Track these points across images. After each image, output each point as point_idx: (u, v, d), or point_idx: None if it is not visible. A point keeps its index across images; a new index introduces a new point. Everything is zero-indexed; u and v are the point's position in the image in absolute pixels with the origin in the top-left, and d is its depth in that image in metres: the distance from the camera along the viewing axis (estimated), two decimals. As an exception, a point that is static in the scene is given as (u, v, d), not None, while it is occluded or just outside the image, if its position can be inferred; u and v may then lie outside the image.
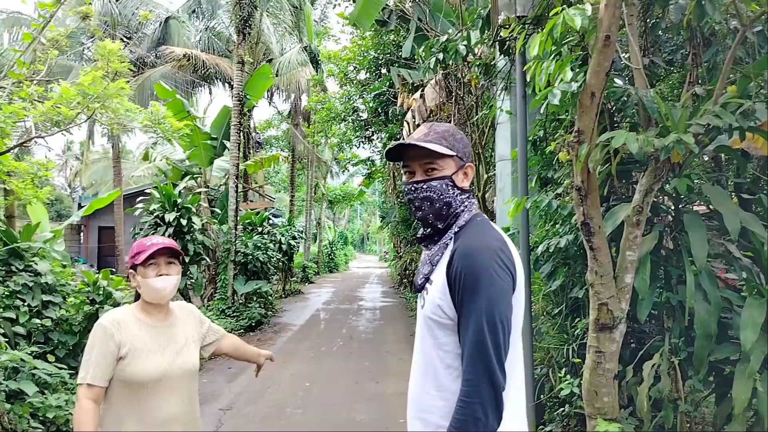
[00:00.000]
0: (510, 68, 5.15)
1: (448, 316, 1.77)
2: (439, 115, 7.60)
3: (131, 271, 2.30)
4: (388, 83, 11.38)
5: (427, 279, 1.90)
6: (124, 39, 19.60)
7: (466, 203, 1.89)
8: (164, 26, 19.64)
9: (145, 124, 6.46)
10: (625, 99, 3.71)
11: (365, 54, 12.35)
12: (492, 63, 5.30)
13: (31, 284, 5.45)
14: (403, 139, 8.31)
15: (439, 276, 1.81)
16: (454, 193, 1.88)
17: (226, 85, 19.36)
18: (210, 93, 21.47)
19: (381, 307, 16.08)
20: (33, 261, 5.59)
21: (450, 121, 8.09)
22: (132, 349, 2.19)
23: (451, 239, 1.86)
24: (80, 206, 23.63)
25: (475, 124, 6.50)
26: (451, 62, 5.02)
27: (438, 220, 1.89)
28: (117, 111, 6.03)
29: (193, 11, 20.84)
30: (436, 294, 1.80)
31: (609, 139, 3.21)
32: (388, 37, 11.94)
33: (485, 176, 6.67)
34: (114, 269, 12.40)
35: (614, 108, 3.94)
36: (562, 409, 4.27)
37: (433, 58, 4.96)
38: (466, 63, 5.54)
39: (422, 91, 7.53)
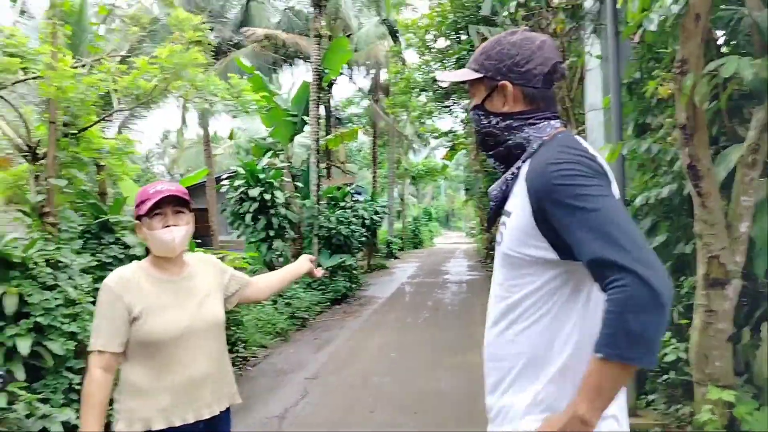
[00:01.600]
0: (600, 7, 4.69)
1: (528, 254, 1.51)
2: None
3: (137, 222, 2.08)
4: (469, 46, 10.95)
5: (498, 209, 1.65)
6: (209, 26, 20.10)
7: (516, 129, 1.61)
8: (246, 8, 19.93)
9: (224, 96, 6.48)
10: (736, 23, 3.23)
11: (444, 18, 11.94)
12: (579, 3, 4.85)
13: (121, 256, 5.59)
14: None
15: (519, 203, 1.55)
16: (490, 122, 1.63)
17: (308, 64, 19.48)
18: (292, 74, 21.77)
19: (467, 280, 15.79)
20: (122, 234, 5.74)
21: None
22: (146, 307, 2.00)
23: (523, 162, 1.59)
24: (175, 190, 24.69)
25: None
26: (533, 4, 4.64)
27: (492, 155, 1.68)
28: (194, 83, 6.06)
29: (273, -9, 21.04)
30: (519, 224, 1.54)
31: (717, 68, 2.79)
32: (466, -1, 11.46)
33: (575, 132, 6.19)
34: (210, 246, 12.82)
35: (723, 35, 3.46)
36: (667, 376, 3.87)
37: (514, 2, 4.59)
38: (549, 8, 5.11)
39: (503, 47, 7.10)
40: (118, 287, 1.99)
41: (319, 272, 2.70)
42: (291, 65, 20.77)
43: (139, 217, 2.06)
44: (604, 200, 1.38)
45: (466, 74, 1.68)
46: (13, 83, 4.97)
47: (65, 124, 5.03)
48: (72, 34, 5.24)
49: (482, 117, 1.66)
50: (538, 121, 1.61)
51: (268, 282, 2.53)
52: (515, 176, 1.61)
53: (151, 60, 5.35)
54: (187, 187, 12.74)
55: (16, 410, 3.66)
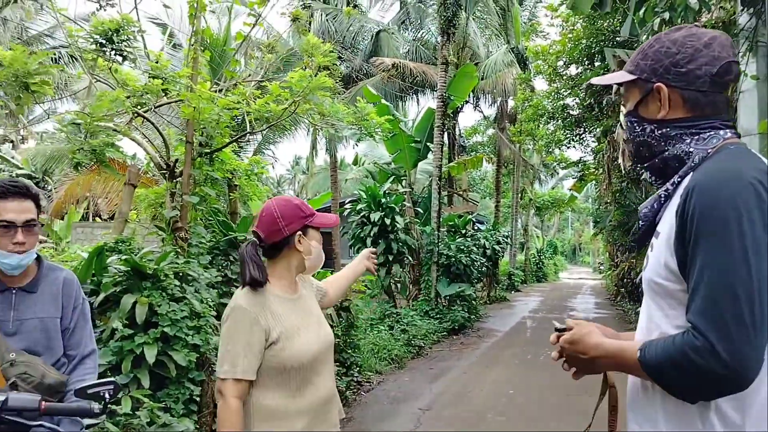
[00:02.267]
0: (756, 22, 4.19)
1: (678, 279, 1.29)
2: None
3: (300, 233, 2.01)
4: (603, 71, 10.42)
5: (650, 230, 1.44)
6: (340, 55, 20.93)
7: (674, 139, 1.39)
8: (375, 39, 20.51)
9: (349, 121, 6.57)
10: None
11: (576, 44, 11.49)
12: (732, 18, 4.37)
13: (246, 273, 5.76)
14: (620, 125, 7.45)
15: (667, 223, 1.33)
16: (644, 130, 1.44)
17: (434, 93, 19.62)
18: (418, 103, 21.94)
19: (594, 318, 14.83)
20: (250, 251, 5.91)
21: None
22: (283, 330, 1.92)
23: (680, 178, 1.37)
24: (303, 213, 25.70)
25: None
26: (680, 21, 4.23)
27: (647, 168, 1.49)
28: (321, 107, 6.19)
29: (403, 22, 21.51)
30: (663, 249, 1.32)
31: None
32: (601, 23, 10.97)
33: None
34: (332, 269, 13.08)
35: None
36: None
37: (657, 19, 4.22)
38: (697, 25, 4.65)
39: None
40: (253, 309, 1.89)
41: (372, 263, 2.58)
42: (417, 94, 21.02)
43: (304, 228, 2.02)
44: (746, 250, 1.17)
45: (620, 76, 1.50)
46: (157, 106, 5.33)
47: (201, 144, 5.29)
48: (212, 60, 5.54)
49: (635, 124, 1.48)
50: (701, 131, 1.38)
51: (338, 287, 2.49)
52: (670, 193, 1.38)
53: (282, 84, 5.54)
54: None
55: (139, 416, 3.80)
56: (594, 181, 21.18)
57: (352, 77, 19.50)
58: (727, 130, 1.38)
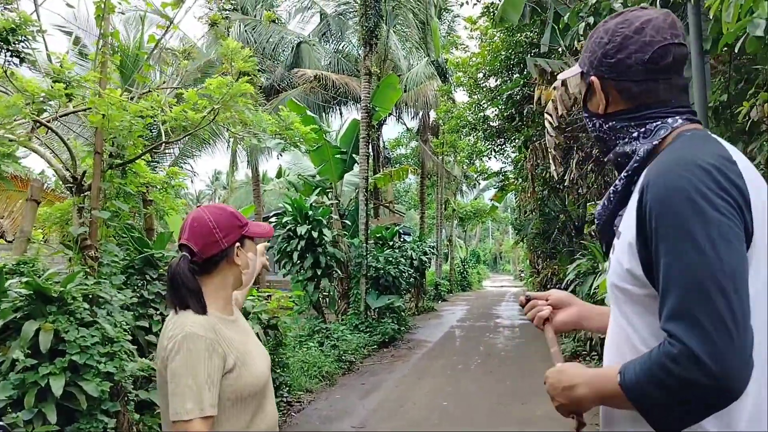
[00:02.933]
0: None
1: (642, 283, 1.18)
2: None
3: (237, 244, 1.77)
4: (522, 82, 10.66)
5: (609, 231, 1.37)
6: (261, 67, 20.52)
7: (621, 132, 1.33)
8: (296, 50, 20.27)
9: (273, 131, 6.32)
10: None
11: (495, 55, 11.71)
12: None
13: (164, 293, 5.38)
14: (546, 135, 7.58)
15: (627, 224, 1.22)
16: (594, 125, 1.39)
17: (357, 105, 19.54)
18: (341, 114, 21.81)
19: (520, 324, 15.10)
20: (166, 270, 5.54)
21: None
22: (239, 356, 1.69)
23: (628, 174, 1.30)
24: (224, 229, 24.92)
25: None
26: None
27: (610, 162, 1.41)
28: (243, 116, 5.93)
29: (323, 34, 21.39)
30: (625, 251, 1.21)
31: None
32: (520, 35, 11.23)
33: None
34: (258, 285, 12.62)
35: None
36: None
37: (582, 24, 4.26)
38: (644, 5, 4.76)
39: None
40: (208, 334, 1.62)
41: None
42: (340, 105, 20.91)
43: (241, 239, 1.78)
44: (711, 240, 1.05)
45: (573, 70, 1.43)
46: (62, 115, 4.90)
47: (111, 155, 4.90)
48: (123, 66, 5.17)
49: (587, 119, 1.43)
50: (646, 122, 1.29)
51: (243, 296, 2.22)
52: (620, 191, 1.32)
53: (200, 92, 5.24)
54: None
55: (42, 457, 3.39)
56: (514, 191, 21.72)
57: (274, 88, 19.15)
58: (678, 117, 1.28)
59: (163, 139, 5.27)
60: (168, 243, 6.10)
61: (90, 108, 4.36)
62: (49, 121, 4.84)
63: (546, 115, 6.90)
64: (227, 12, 20.36)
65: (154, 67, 4.78)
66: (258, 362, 1.75)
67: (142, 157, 5.81)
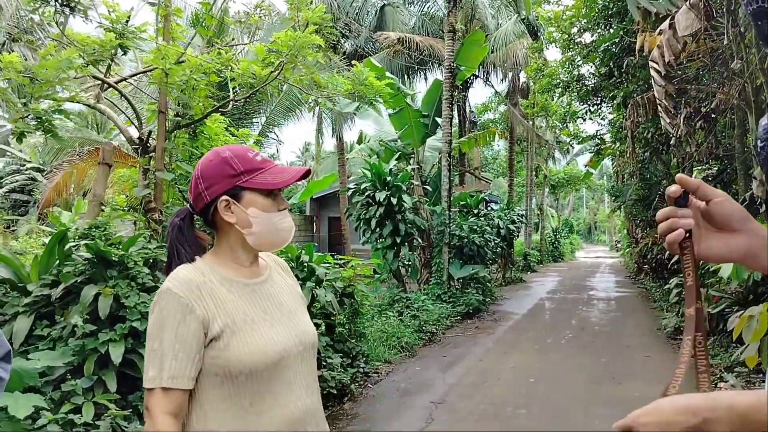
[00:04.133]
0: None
1: None
2: (697, 50, 5.92)
3: (226, 198, 1.41)
4: (622, 32, 9.67)
5: None
6: (344, 31, 20.26)
7: None
8: (380, 13, 19.79)
9: (348, 89, 5.96)
10: None
11: (592, 4, 10.71)
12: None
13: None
14: (653, 85, 6.74)
15: None
16: None
17: (442, 69, 18.88)
18: (425, 79, 21.19)
19: (616, 297, 14.18)
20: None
21: (714, 49, 6.34)
22: (229, 323, 1.35)
23: None
24: (312, 198, 25.22)
25: (755, 44, 4.76)
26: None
27: None
28: (316, 77, 5.62)
29: (409, -5, 20.75)
30: None
31: None
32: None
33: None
34: (341, 255, 12.53)
35: None
36: None
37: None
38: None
39: (671, 19, 5.91)
40: (186, 293, 1.33)
41: None
42: (425, 70, 20.31)
43: (234, 190, 1.41)
44: None
45: None
46: (130, 76, 4.75)
47: (177, 115, 4.71)
48: (196, 23, 4.93)
49: None
50: None
51: None
52: None
53: (268, 46, 4.94)
54: (320, 196, 12.94)
55: (99, 426, 3.25)
56: (611, 156, 20.37)
57: (358, 53, 18.82)
58: None
59: (231, 97, 5.04)
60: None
61: (152, 69, 4.17)
62: (117, 82, 4.70)
63: (651, 63, 6.09)
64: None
65: (216, 19, 4.51)
66: (266, 335, 1.39)
67: (219, 120, 5.64)
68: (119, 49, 3.69)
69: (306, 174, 1.49)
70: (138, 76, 5.00)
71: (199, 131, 5.42)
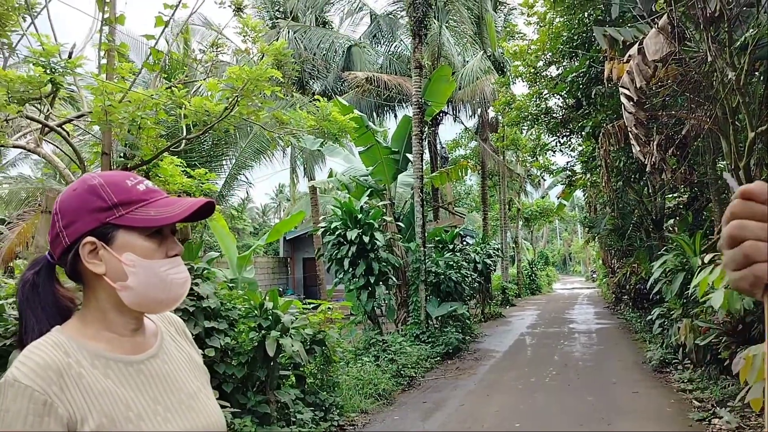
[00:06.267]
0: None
1: None
2: (667, 72, 5.80)
3: (90, 239, 1.05)
4: (588, 61, 9.64)
5: None
6: (312, 74, 20.23)
7: None
8: (347, 54, 19.82)
9: (311, 125, 5.69)
10: None
11: (556, 38, 10.71)
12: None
13: (192, 309, 4.80)
14: (623, 113, 6.61)
15: None
16: None
17: (411, 105, 18.87)
18: (395, 117, 21.19)
19: (597, 329, 13.92)
20: (194, 283, 4.97)
21: (683, 74, 6.23)
22: (106, 422, 0.98)
23: None
24: (285, 240, 24.76)
25: (729, 63, 4.63)
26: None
27: None
28: (280, 114, 5.38)
29: (374, 36, 20.88)
30: None
31: None
32: (582, 13, 10.22)
33: (750, 135, 4.72)
34: (317, 298, 12.08)
35: None
36: None
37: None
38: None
39: (640, 44, 5.79)
40: (42, 385, 0.94)
41: None
42: (394, 108, 20.32)
43: (102, 230, 1.05)
44: None
45: None
46: (73, 118, 4.41)
47: (125, 156, 4.37)
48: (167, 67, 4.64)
49: None
50: None
51: None
52: None
53: (221, 81, 4.66)
54: (294, 237, 12.64)
55: None
56: (582, 187, 20.41)
57: (326, 93, 18.74)
58: None
59: (184, 135, 4.72)
60: (199, 253, 5.55)
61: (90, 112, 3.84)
62: (59, 124, 4.36)
63: (622, 89, 5.95)
64: (277, 20, 20.21)
65: (163, 54, 4.22)
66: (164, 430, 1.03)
67: (175, 163, 5.31)
68: (50, 86, 3.36)
69: (208, 207, 1.11)
70: (84, 117, 4.67)
71: (153, 174, 5.08)
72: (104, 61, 4.09)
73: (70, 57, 4.07)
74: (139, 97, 3.71)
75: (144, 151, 4.44)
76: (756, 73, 6.03)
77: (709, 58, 4.85)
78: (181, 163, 5.53)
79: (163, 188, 4.98)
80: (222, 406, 3.63)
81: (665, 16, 5.34)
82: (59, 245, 1.07)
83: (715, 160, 7.89)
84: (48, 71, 3.29)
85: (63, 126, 4.35)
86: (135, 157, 4.42)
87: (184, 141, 4.62)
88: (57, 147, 4.86)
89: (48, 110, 4.11)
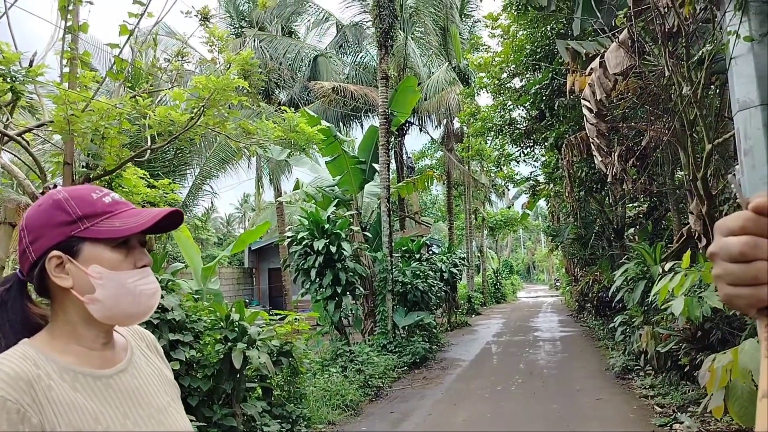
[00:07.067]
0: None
1: None
2: (628, 85, 5.98)
3: (57, 253, 1.04)
4: (551, 74, 9.85)
5: None
6: (278, 83, 20.13)
7: None
8: (313, 64, 19.81)
9: (278, 135, 5.67)
10: None
11: (520, 50, 10.93)
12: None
13: (156, 322, 4.71)
14: (586, 124, 6.77)
15: None
16: None
17: (378, 117, 18.95)
18: (362, 127, 21.24)
19: (561, 337, 14.13)
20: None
21: (643, 87, 6.42)
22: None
23: None
24: (250, 250, 24.49)
25: (687, 77, 4.80)
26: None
27: None
28: (246, 125, 5.34)
29: (341, 46, 20.90)
30: None
31: None
32: (545, 27, 10.44)
33: (708, 146, 4.89)
34: (284, 308, 11.98)
35: None
36: None
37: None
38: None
39: (601, 58, 5.95)
40: (15, 395, 0.92)
41: None
42: (361, 118, 20.37)
43: (68, 244, 1.04)
44: None
45: None
46: (32, 128, 4.31)
47: (87, 167, 4.28)
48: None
49: None
50: None
51: None
52: None
53: (187, 90, 4.61)
54: (259, 248, 12.55)
55: None
56: (545, 197, 20.77)
57: (293, 103, 18.69)
58: None
59: (149, 145, 4.65)
60: (163, 264, 5.46)
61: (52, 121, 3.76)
62: (19, 134, 4.24)
63: (583, 102, 6.10)
64: (243, 29, 20.10)
65: (127, 63, 4.16)
66: None
67: (138, 173, 5.23)
68: (10, 95, 3.28)
69: (176, 218, 1.11)
70: (45, 126, 4.56)
71: (116, 185, 4.99)
72: (67, 69, 4.01)
73: (31, 65, 3.99)
74: (103, 107, 3.65)
75: (107, 161, 4.35)
76: (712, 86, 6.25)
77: (668, 72, 5.01)
78: (144, 174, 5.46)
79: (127, 199, 4.90)
80: (189, 420, 3.56)
81: (625, 30, 5.49)
82: (26, 261, 1.05)
83: (673, 170, 8.13)
84: (8, 79, 3.22)
85: (23, 135, 4.24)
86: (98, 167, 4.33)
87: (148, 151, 4.55)
88: (16, 156, 4.72)
89: (8, 119, 4.01)
